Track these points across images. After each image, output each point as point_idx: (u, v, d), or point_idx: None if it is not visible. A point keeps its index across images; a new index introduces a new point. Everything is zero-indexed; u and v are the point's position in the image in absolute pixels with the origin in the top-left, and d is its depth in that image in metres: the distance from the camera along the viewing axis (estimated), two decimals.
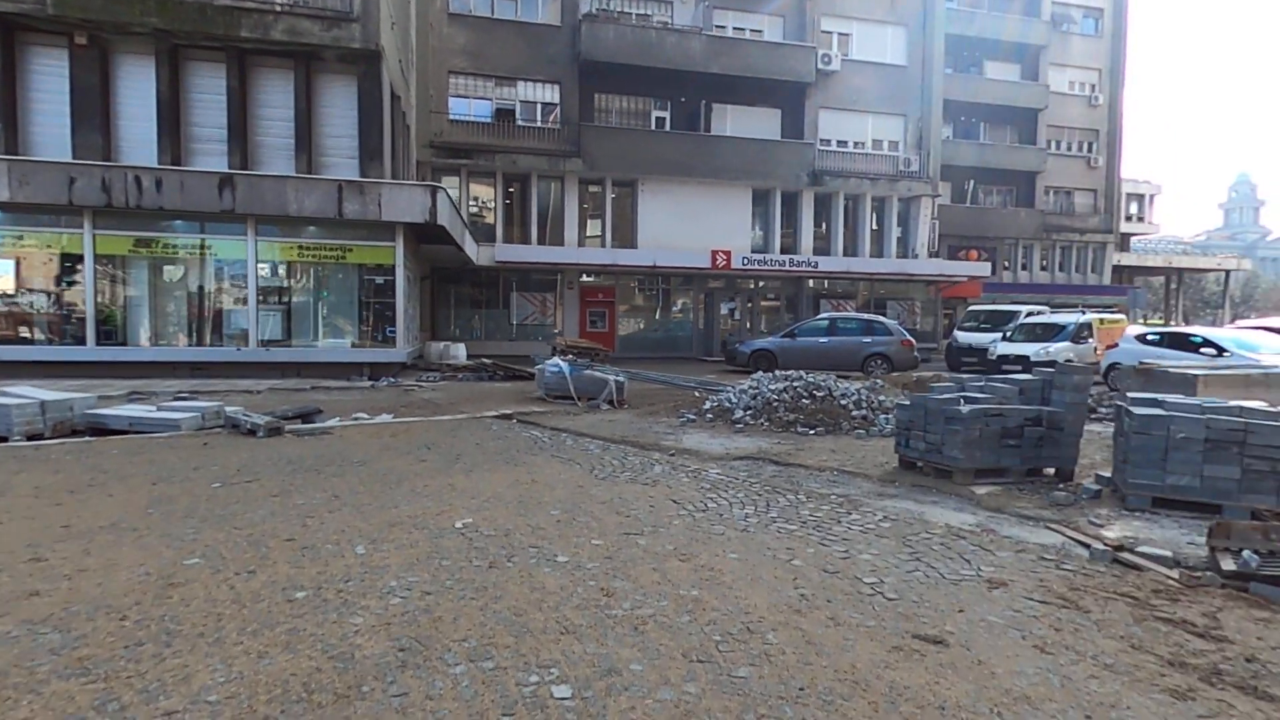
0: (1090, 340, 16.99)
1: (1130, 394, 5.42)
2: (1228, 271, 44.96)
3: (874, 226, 26.14)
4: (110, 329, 12.38)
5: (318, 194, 12.34)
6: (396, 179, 12.79)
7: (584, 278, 23.83)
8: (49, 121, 12.22)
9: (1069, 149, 35.69)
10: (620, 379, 10.83)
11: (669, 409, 10.32)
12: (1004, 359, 16.81)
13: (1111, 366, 14.80)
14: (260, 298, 12.75)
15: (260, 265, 12.80)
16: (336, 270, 13.27)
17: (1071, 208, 36.22)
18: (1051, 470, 5.97)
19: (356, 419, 8.97)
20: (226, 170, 12.33)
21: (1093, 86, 35.80)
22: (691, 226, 23.69)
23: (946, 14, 26.91)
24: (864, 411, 8.73)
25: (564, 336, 16.62)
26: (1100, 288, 35.80)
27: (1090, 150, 36.03)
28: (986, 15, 32.61)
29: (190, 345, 12.66)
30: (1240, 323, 19.79)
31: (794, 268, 23.89)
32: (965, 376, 6.26)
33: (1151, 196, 46.61)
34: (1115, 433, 5.63)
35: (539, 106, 22.98)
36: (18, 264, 12.13)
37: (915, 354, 16.83)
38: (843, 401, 8.87)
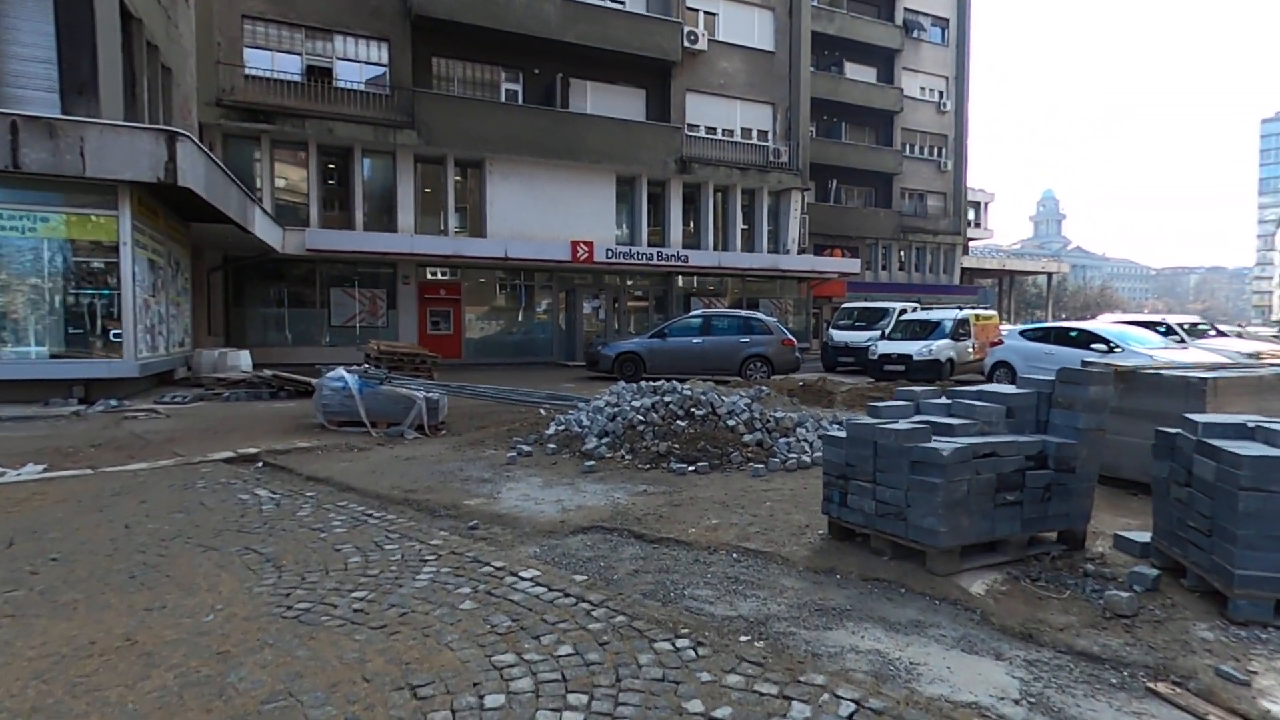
0: (969, 337, 16.11)
1: (1197, 418, 3.41)
2: (1049, 274, 48.74)
3: (744, 225, 24.70)
4: None
5: None
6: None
7: (437, 274, 20.40)
8: None
9: (922, 153, 36.56)
10: (435, 396, 7.93)
11: (500, 435, 7.59)
12: (886, 358, 15.52)
13: (998, 365, 13.79)
14: None
15: None
16: (24, 249, 9.28)
17: (925, 210, 37.17)
18: (1053, 534, 3.89)
19: None
20: None
21: (941, 93, 36.92)
22: (549, 214, 20.97)
23: (810, 11, 26.03)
24: (758, 434, 6.44)
25: (378, 341, 13.33)
26: (953, 287, 36.96)
27: (940, 155, 37.13)
28: (845, 15, 32.50)
29: None
30: (1104, 317, 20.00)
31: (663, 262, 21.82)
32: (919, 390, 3.99)
33: (986, 204, 49.58)
34: (1160, 480, 3.60)
35: (362, 67, 19.32)
36: None
37: (796, 354, 15.14)
38: (730, 422, 6.54)
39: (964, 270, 39.51)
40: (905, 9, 35.00)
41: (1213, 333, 16.68)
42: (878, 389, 11.87)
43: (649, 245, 22.38)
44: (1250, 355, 13.14)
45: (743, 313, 15.86)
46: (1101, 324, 14.17)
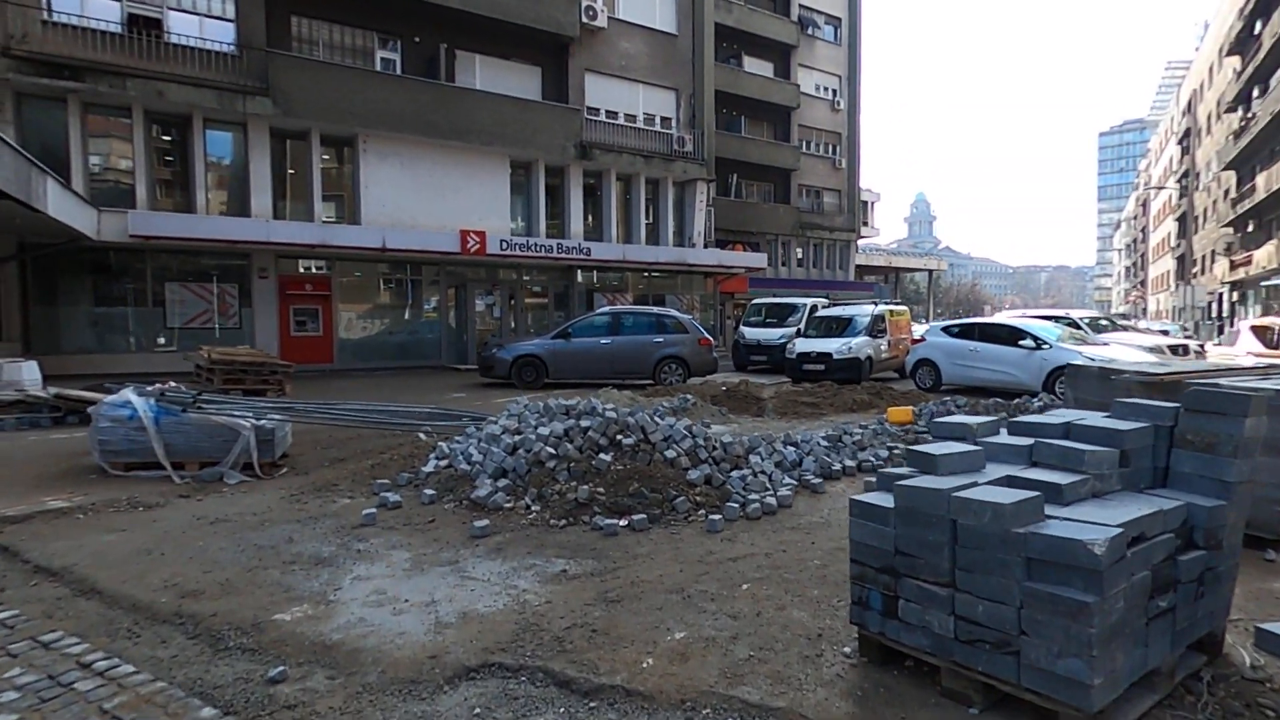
0: (885, 334, 15.49)
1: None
2: (930, 272, 51.09)
3: (649, 219, 23.36)
4: None
5: None
6: None
7: (303, 267, 17.62)
8: None
9: (818, 150, 36.72)
10: (270, 424, 5.91)
11: (361, 474, 5.71)
12: (805, 357, 14.58)
13: (922, 363, 13.11)
14: None
15: None
16: None
17: (822, 207, 37.40)
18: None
19: None
20: None
21: (835, 91, 37.23)
22: (435, 201, 18.72)
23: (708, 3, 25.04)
24: (705, 469, 4.96)
25: (211, 348, 10.79)
26: (850, 283, 37.45)
27: (835, 152, 37.47)
28: (744, 7, 31.90)
29: None
30: (1008, 312, 20.15)
31: (563, 255, 20.06)
32: (974, 421, 2.54)
33: (873, 204, 51.19)
34: None
35: (202, 20, 16.32)
36: None
37: (714, 355, 13.90)
38: (669, 453, 5.02)
39: (857, 267, 40.23)
40: (800, 5, 34.91)
41: (1116, 328, 16.98)
42: (808, 393, 10.77)
43: (548, 237, 20.57)
44: (1154, 349, 13.16)
45: (655, 310, 14.47)
46: (1023, 319, 13.83)
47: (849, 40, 37.71)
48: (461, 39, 19.42)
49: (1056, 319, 15.19)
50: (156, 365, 15.22)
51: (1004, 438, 2.87)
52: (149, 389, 5.92)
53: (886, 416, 8.03)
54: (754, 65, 33.17)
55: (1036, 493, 2.22)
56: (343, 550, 3.92)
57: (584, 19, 20.53)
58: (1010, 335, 12.00)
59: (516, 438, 5.26)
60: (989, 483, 2.40)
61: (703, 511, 4.50)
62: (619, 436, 5.11)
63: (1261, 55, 30.77)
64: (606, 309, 14.78)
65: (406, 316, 19.91)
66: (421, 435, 7.05)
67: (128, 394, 5.65)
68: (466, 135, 18.77)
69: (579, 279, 21.94)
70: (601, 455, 4.89)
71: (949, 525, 2.26)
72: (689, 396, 9.19)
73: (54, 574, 3.61)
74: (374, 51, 18.72)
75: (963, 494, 2.24)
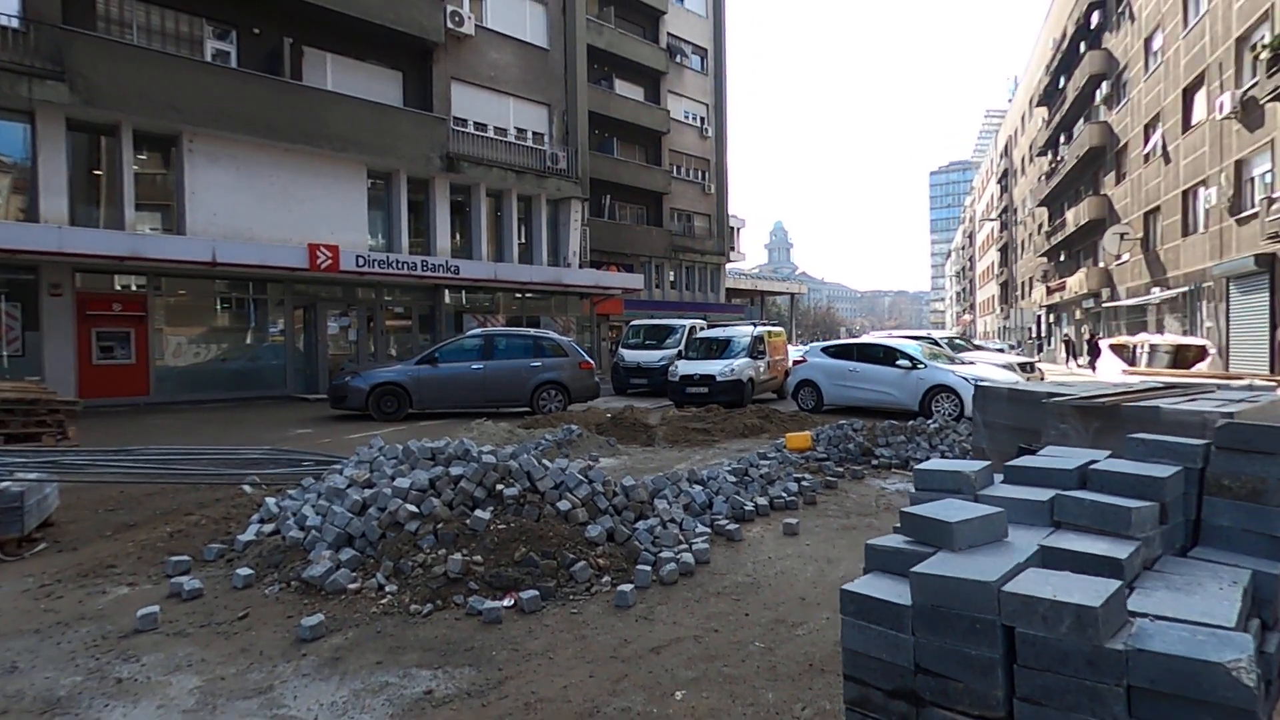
0: (765, 355, 15.43)
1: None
2: (792, 295, 53.73)
3: (521, 239, 22.32)
4: None
5: None
6: None
7: (110, 284, 14.86)
8: None
9: (688, 175, 37.35)
10: (20, 488, 4.38)
11: (152, 547, 4.36)
12: (688, 379, 14.14)
13: (803, 384, 13.04)
14: None
15: None
16: None
17: (692, 230, 38.00)
18: None
19: None
20: None
21: (703, 119, 38.15)
22: (278, 211, 16.67)
23: (583, 12, 24.62)
24: (606, 521, 4.11)
25: None
26: (721, 305, 38.21)
27: (704, 178, 38.29)
28: (614, 31, 31.91)
29: None
30: (877, 333, 20.93)
31: (428, 274, 18.55)
32: (967, 469, 1.89)
33: (739, 229, 53.10)
34: None
35: None
36: None
37: (595, 379, 13.10)
38: (562, 504, 4.12)
39: (726, 290, 41.21)
40: (669, 34, 35.52)
41: (970, 348, 18.01)
42: (696, 418, 10.23)
43: (411, 254, 18.98)
44: (1008, 366, 13.91)
45: (532, 332, 13.44)
46: (895, 339, 14.16)
47: (714, 71, 38.86)
48: (310, 34, 17.62)
49: (919, 339, 15.81)
50: None
51: (1007, 489, 2.26)
52: None
53: (785, 443, 7.59)
54: (625, 89, 33.22)
55: (1116, 581, 1.58)
56: (94, 680, 2.68)
57: (449, 24, 19.36)
58: (886, 355, 12.17)
59: (367, 492, 4.16)
60: (1027, 561, 1.74)
61: (607, 579, 3.64)
62: (499, 486, 4.15)
63: (1066, 107, 34.93)
64: (478, 331, 13.59)
65: (248, 340, 17.55)
66: (247, 488, 5.68)
67: None
68: (315, 140, 16.95)
69: (446, 299, 20.46)
70: (478, 512, 3.91)
71: (1000, 634, 1.57)
72: (573, 427, 8.32)
73: None
74: (203, 41, 16.50)
75: (1019, 588, 1.56)
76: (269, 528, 4.31)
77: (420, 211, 19.94)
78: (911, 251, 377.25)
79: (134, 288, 15.69)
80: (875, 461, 7.07)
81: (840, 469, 6.63)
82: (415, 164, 18.93)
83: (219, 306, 17.35)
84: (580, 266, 23.20)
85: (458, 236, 20.84)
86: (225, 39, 16.81)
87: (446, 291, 20.30)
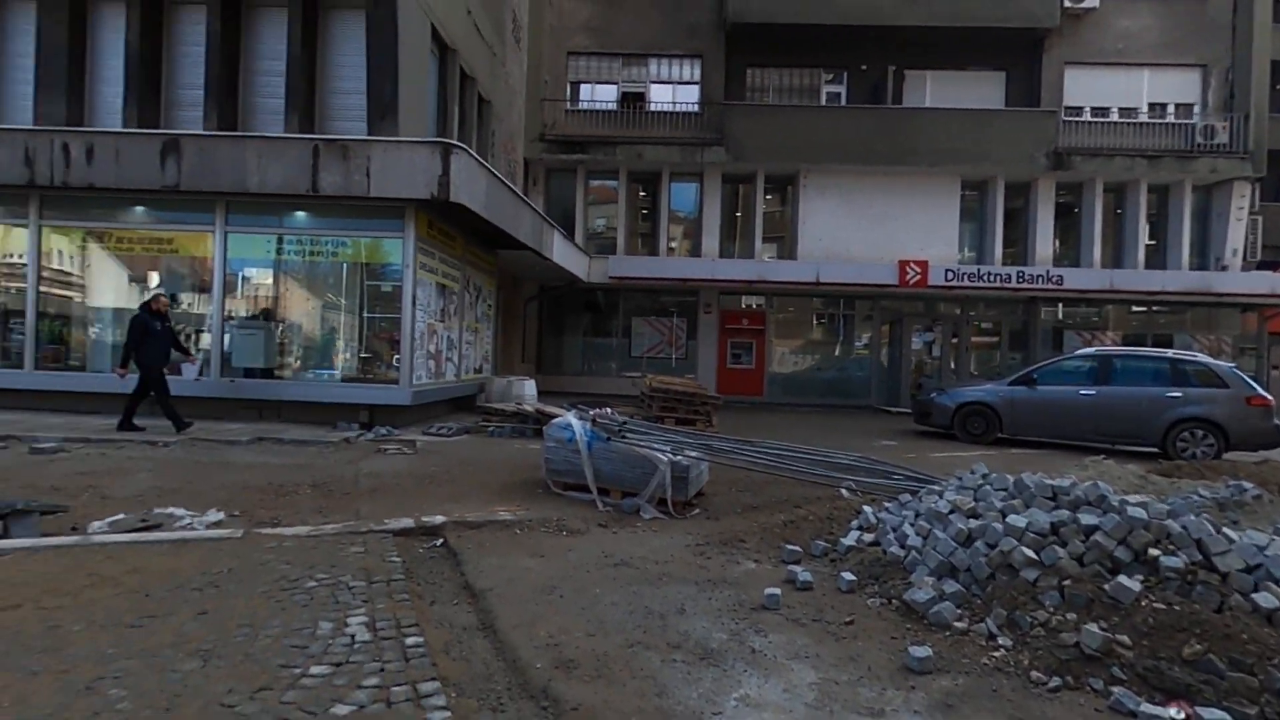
0: None
1: None
2: None
3: (1149, 239, 18.14)
4: (57, 349, 9.63)
5: (287, 160, 8.68)
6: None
7: (741, 303, 18.68)
8: (15, 90, 9.95)
9: None
10: (685, 461, 5.62)
11: (772, 531, 4.96)
12: None
13: None
14: (227, 311, 9.33)
15: (233, 265, 9.42)
16: (329, 274, 9.54)
17: None
18: None
19: (115, 523, 4.72)
20: (174, 131, 9.15)
21: None
22: (873, 231, 17.70)
23: None
24: None
25: (653, 376, 11.62)
26: None
27: None
28: None
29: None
30: None
31: (1024, 285, 16.83)
32: None
33: None
34: None
35: (674, 88, 18.55)
36: None
37: (1274, 421, 9.54)
38: (1259, 597, 2.93)
39: None
40: None
41: None
42: None
43: (1004, 265, 17.56)
44: None
45: (1170, 353, 10.63)
46: None
47: None
48: (912, 58, 18.10)
49: None
50: (622, 389, 17.56)
51: None
52: (590, 412, 6.22)
53: None
54: None
55: None
56: (735, 643, 3.11)
57: (1067, 3, 17.12)
58: None
59: (973, 523, 3.80)
60: None
61: None
62: (1152, 551, 3.22)
63: None
64: (1088, 350, 11.51)
65: (837, 353, 19.21)
66: (844, 492, 6.01)
67: (569, 417, 6.00)
68: (911, 158, 17.29)
69: (1042, 314, 18.18)
70: (1122, 578, 3.10)
71: None
72: (1245, 484, 6.12)
73: (474, 596, 3.64)
74: (820, 87, 18.74)
75: None
76: (869, 537, 4.39)
77: (1016, 219, 18.29)
78: None
79: (755, 306, 18.92)
80: None
81: None
82: (1015, 167, 17.43)
83: (815, 321, 19.43)
84: (1242, 268, 17.47)
85: (1059, 243, 18.30)
86: (837, 81, 18.72)
87: (1043, 305, 18.04)
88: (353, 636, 2.98)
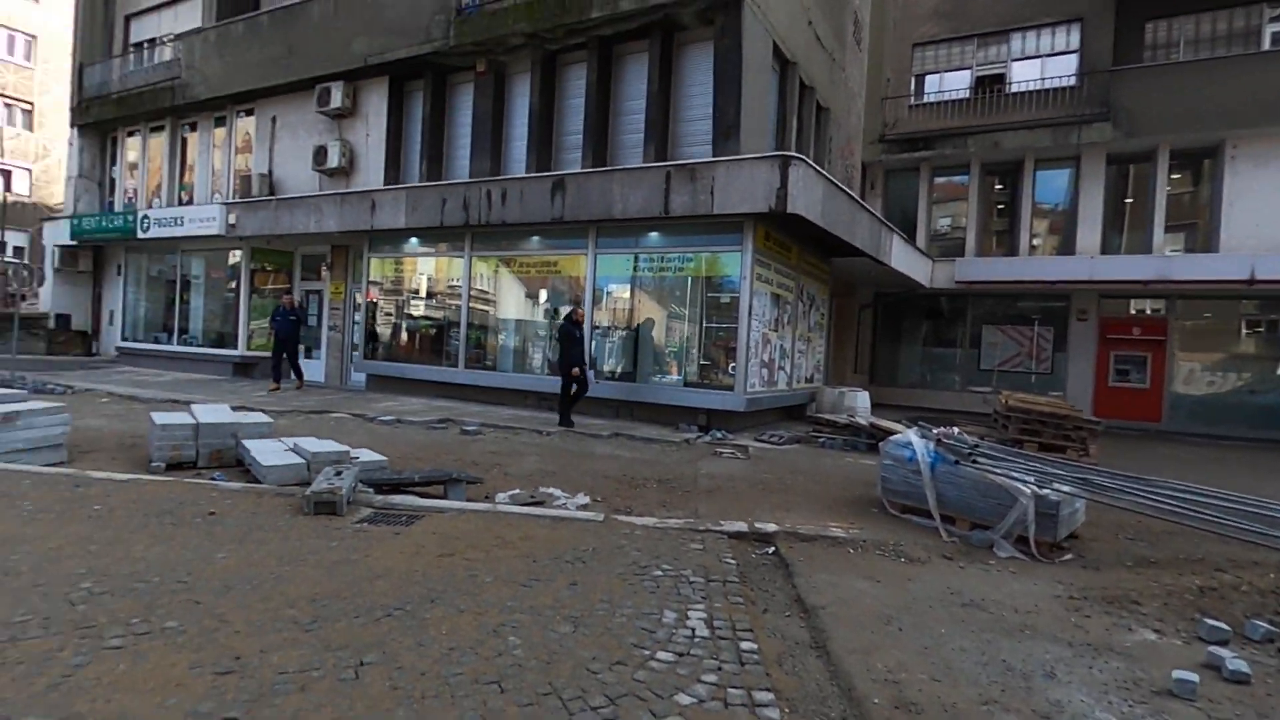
0: None
1: None
2: None
3: None
4: (479, 352, 12.18)
5: (644, 187, 9.66)
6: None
7: (1130, 308, 15.53)
8: (458, 153, 12.87)
9: None
10: (1057, 498, 4.80)
11: (1177, 595, 3.99)
12: None
13: None
14: (594, 322, 10.76)
15: (600, 282, 10.84)
16: (674, 286, 10.37)
17: None
18: None
19: (505, 499, 5.70)
20: (560, 172, 10.80)
21: None
22: None
23: None
24: None
25: (1009, 393, 10.05)
26: None
27: None
28: None
29: (538, 374, 11.52)
30: None
31: None
32: None
33: None
34: None
35: (1043, 61, 16.10)
36: (410, 288, 13.03)
37: None
38: None
39: None
40: None
41: None
42: None
43: None
44: None
45: None
46: None
47: None
48: None
49: None
50: (968, 405, 15.85)
51: None
52: (934, 431, 5.71)
53: None
54: None
55: None
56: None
57: None
58: None
59: None
60: None
61: None
62: None
63: None
64: None
65: (1268, 371, 14.65)
66: None
67: (910, 434, 5.57)
68: None
69: None
70: None
71: None
72: None
73: (805, 610, 3.59)
74: (1258, 27, 14.52)
75: None
76: None
77: None
78: None
79: (1151, 311, 15.42)
80: None
81: None
82: None
83: (1245, 330, 15.06)
84: None
85: None
86: None
87: None
88: (693, 630, 3.17)
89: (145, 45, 17.70)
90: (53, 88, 32.24)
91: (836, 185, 10.16)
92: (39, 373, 13.24)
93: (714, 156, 9.82)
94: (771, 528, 4.99)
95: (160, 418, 6.36)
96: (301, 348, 13.68)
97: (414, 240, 12.65)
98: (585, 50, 11.32)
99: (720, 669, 2.81)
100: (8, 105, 32.05)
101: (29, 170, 33.06)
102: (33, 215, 30.47)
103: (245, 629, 2.92)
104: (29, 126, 33.02)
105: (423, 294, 12.92)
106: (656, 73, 10.63)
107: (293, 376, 12.92)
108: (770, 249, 10.25)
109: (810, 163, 9.13)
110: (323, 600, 3.26)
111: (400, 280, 13.14)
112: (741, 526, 5.01)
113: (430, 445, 8.04)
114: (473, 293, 12.12)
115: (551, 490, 5.99)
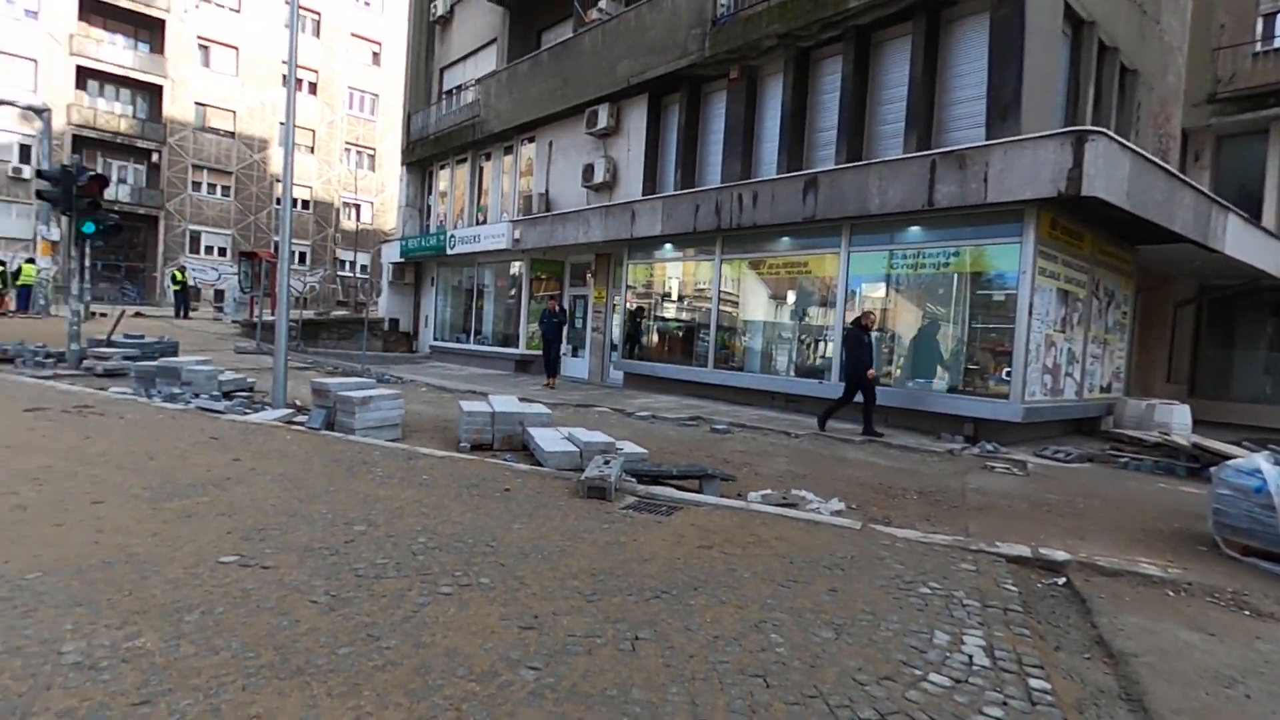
0: None
1: None
2: None
3: None
4: (726, 352, 12.40)
5: (904, 179, 9.00)
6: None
7: None
8: (710, 159, 13.22)
9: None
10: None
11: None
12: None
13: None
14: (845, 323, 10.32)
15: (852, 282, 10.38)
16: (938, 285, 9.53)
17: None
18: None
19: (763, 499, 5.68)
20: (812, 170, 10.48)
21: None
22: None
23: None
24: None
25: None
26: None
27: None
28: None
29: (785, 375, 11.41)
30: None
31: None
32: None
33: None
34: None
35: None
36: (663, 291, 13.62)
37: None
38: None
39: None
40: None
41: None
42: None
43: None
44: None
45: None
46: None
47: None
48: None
49: None
50: None
51: None
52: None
53: None
54: None
55: None
56: None
57: None
58: None
59: None
60: None
61: None
62: None
63: None
64: None
65: None
66: None
67: (1259, 460, 4.51)
68: None
69: None
70: None
71: None
72: None
73: (1111, 655, 3.11)
74: None
75: None
76: None
77: None
78: None
79: None
80: None
81: None
82: None
83: None
84: None
85: None
86: None
87: None
88: (970, 657, 2.93)
89: (454, 91, 21.00)
90: (387, 135, 39.60)
91: (1148, 159, 8.56)
92: (379, 365, 16.41)
93: (988, 140, 8.88)
94: (1062, 555, 4.39)
95: (467, 406, 7.52)
96: (568, 347, 15.11)
97: (667, 246, 13.33)
98: (840, 43, 10.96)
99: (1006, 704, 2.55)
100: (359, 152, 40.19)
101: (372, 203, 41.05)
102: (374, 239, 37.79)
103: (539, 592, 3.34)
104: (372, 168, 41.01)
105: (674, 297, 13.55)
106: (921, 56, 9.91)
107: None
108: (1057, 238, 8.99)
109: (1113, 135, 7.81)
110: (600, 575, 3.60)
111: (653, 284, 13.94)
112: (1023, 550, 4.48)
113: (683, 441, 8.41)
114: (721, 295, 12.41)
115: (803, 493, 5.92)
